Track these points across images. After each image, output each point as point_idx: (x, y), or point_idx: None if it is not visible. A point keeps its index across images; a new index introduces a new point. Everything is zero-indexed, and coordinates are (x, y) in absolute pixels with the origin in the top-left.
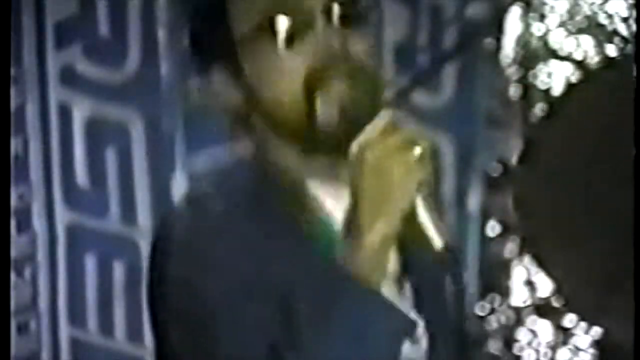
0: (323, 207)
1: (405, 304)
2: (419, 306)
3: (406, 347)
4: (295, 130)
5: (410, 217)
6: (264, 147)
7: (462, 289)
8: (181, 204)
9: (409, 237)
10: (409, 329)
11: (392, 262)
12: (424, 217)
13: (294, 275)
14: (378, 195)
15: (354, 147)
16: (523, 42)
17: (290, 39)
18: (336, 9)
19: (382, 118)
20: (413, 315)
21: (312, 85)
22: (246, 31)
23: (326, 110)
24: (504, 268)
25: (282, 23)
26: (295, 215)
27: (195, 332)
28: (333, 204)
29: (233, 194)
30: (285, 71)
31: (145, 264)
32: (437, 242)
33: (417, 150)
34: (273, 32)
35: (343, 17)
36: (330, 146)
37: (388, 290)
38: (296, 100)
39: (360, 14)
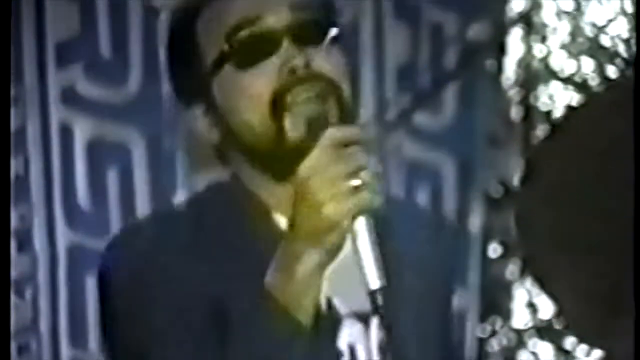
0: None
1: (367, 345)
2: (383, 346)
3: (356, 331)
4: (267, 154)
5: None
6: (236, 177)
7: (389, 337)
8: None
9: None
10: None
11: (358, 296)
12: (361, 254)
13: (236, 288)
14: (312, 226)
15: (300, 172)
16: (524, 63)
17: (254, 62)
18: (302, 28)
19: (328, 138)
20: (340, 351)
21: (279, 106)
22: (213, 60)
23: (295, 128)
24: (505, 290)
25: (244, 46)
26: (258, 244)
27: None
28: None
29: (201, 218)
30: (251, 94)
31: None
32: (372, 282)
33: (356, 182)
34: (237, 55)
35: (309, 36)
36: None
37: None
38: (264, 122)
39: (327, 31)
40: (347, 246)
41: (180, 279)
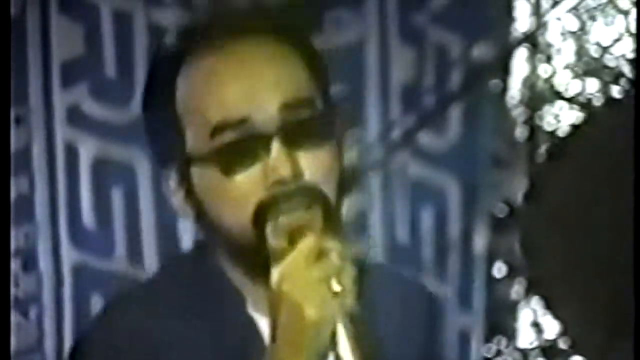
0: (258, 330)
1: None
2: None
3: None
4: (244, 254)
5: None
6: (215, 256)
7: None
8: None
9: None
10: None
11: None
12: (345, 355)
13: None
14: (293, 333)
15: (274, 275)
16: (529, 83)
17: (239, 167)
18: (294, 130)
19: (306, 244)
20: None
21: (262, 216)
22: (198, 150)
23: (276, 238)
24: (511, 310)
25: (231, 151)
26: (229, 333)
27: None
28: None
29: (164, 308)
30: (234, 199)
31: None
32: None
33: (337, 287)
34: (220, 159)
35: (300, 139)
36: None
37: None
38: (245, 227)
39: (322, 129)
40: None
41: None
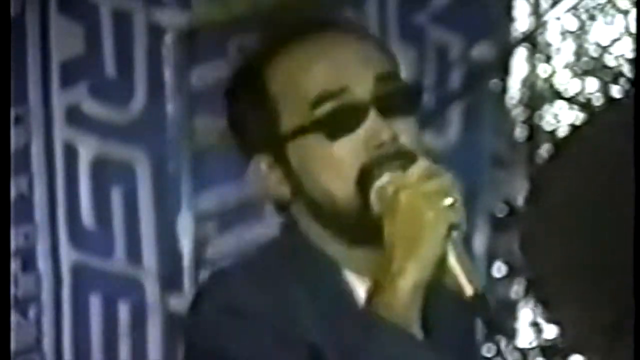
0: (356, 294)
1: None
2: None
3: None
4: (346, 222)
5: (441, 264)
6: (300, 232)
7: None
8: (208, 281)
9: (439, 283)
10: None
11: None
12: (455, 264)
13: (324, 327)
14: (410, 240)
15: (389, 189)
16: (529, 83)
17: (341, 133)
18: (387, 99)
19: (419, 165)
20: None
21: (366, 179)
22: (294, 126)
23: (380, 201)
24: (510, 309)
25: (331, 118)
26: (332, 301)
27: None
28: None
29: (267, 284)
30: (337, 165)
31: (151, 303)
32: (468, 289)
33: (449, 199)
34: (324, 127)
35: (395, 107)
36: (377, 238)
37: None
38: (349, 192)
39: (409, 101)
40: None
41: (274, 322)
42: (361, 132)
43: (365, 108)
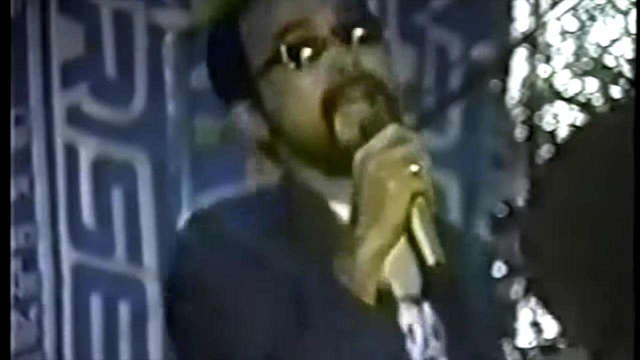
0: (341, 221)
1: (423, 326)
2: (437, 328)
3: (412, 314)
4: (317, 152)
5: (406, 231)
6: (289, 172)
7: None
8: (197, 229)
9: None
10: (401, 343)
11: (412, 281)
12: (419, 232)
13: (306, 271)
14: (373, 207)
15: (357, 156)
16: (529, 83)
17: (304, 63)
18: (348, 28)
19: (389, 131)
20: (403, 330)
21: (329, 106)
22: (261, 62)
23: (346, 129)
24: (510, 309)
25: (294, 48)
26: (319, 234)
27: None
28: None
29: (256, 218)
30: (301, 94)
31: (151, 303)
32: (430, 258)
33: (414, 167)
34: (286, 58)
35: (356, 36)
36: (350, 167)
37: (403, 308)
38: (315, 122)
39: (373, 31)
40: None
41: (256, 262)
42: (323, 60)
43: (327, 37)
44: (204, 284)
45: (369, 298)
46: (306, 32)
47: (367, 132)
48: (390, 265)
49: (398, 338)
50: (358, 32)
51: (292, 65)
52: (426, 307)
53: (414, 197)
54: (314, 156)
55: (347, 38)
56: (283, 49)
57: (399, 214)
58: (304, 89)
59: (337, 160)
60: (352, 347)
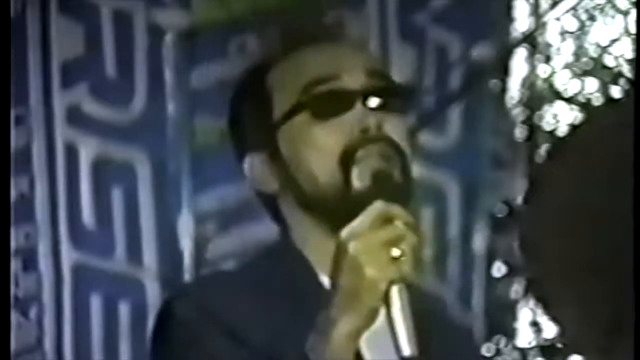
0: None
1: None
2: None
3: None
4: (327, 203)
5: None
6: (290, 228)
7: None
8: (196, 282)
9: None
10: None
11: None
12: (396, 321)
13: (287, 345)
14: (349, 291)
15: (342, 235)
16: (528, 83)
17: (328, 116)
18: (376, 92)
19: (375, 208)
20: None
21: (349, 157)
22: (286, 110)
23: (361, 180)
24: (510, 309)
25: (322, 99)
26: (306, 305)
27: None
28: None
29: (254, 279)
30: (321, 147)
31: (151, 303)
32: (405, 349)
33: (396, 252)
34: (311, 107)
35: (382, 102)
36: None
37: None
38: (331, 175)
39: (399, 100)
40: (381, 316)
41: (235, 336)
42: (347, 117)
43: (354, 96)
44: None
45: None
46: (335, 88)
47: (379, 185)
48: (365, 348)
49: None
50: (385, 98)
51: (315, 115)
52: None
53: (390, 284)
54: (321, 207)
55: (373, 101)
56: (308, 98)
57: (374, 301)
58: (324, 140)
59: (348, 213)
60: None
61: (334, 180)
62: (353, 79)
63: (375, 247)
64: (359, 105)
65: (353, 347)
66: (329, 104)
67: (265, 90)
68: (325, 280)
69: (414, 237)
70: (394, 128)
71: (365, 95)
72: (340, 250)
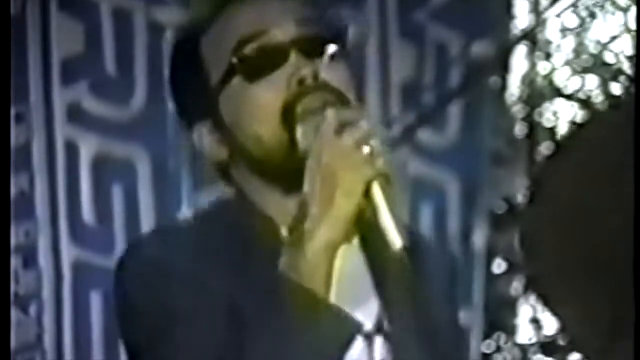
0: None
1: (369, 307)
2: (386, 309)
3: (358, 349)
4: (276, 165)
5: (370, 216)
6: (246, 192)
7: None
8: (150, 234)
9: (370, 237)
10: (354, 332)
11: (355, 264)
12: (382, 216)
13: (246, 288)
14: (325, 199)
15: (314, 147)
16: (528, 80)
17: (262, 74)
18: (309, 41)
19: (330, 114)
20: (358, 317)
21: (290, 116)
22: (221, 75)
23: (307, 139)
24: (510, 306)
25: (250, 59)
26: (265, 257)
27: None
28: None
29: (208, 232)
30: (260, 106)
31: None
32: (395, 242)
33: (367, 149)
34: (244, 68)
35: (316, 49)
36: None
37: (341, 293)
38: (275, 134)
39: (334, 44)
40: (353, 260)
41: (192, 282)
42: (282, 72)
43: (286, 49)
44: (140, 307)
45: (320, 289)
46: (265, 44)
47: None
48: (346, 294)
49: (351, 325)
50: (319, 45)
51: (249, 76)
52: (377, 342)
53: (369, 182)
54: (273, 170)
55: (307, 51)
56: (240, 59)
57: (351, 206)
58: (262, 100)
59: (297, 174)
60: (296, 344)
61: (279, 141)
62: (283, 31)
63: (346, 149)
64: (292, 58)
65: (331, 259)
66: (261, 61)
67: (199, 56)
68: (284, 232)
69: (380, 130)
70: (333, 74)
71: (297, 46)
72: (313, 163)
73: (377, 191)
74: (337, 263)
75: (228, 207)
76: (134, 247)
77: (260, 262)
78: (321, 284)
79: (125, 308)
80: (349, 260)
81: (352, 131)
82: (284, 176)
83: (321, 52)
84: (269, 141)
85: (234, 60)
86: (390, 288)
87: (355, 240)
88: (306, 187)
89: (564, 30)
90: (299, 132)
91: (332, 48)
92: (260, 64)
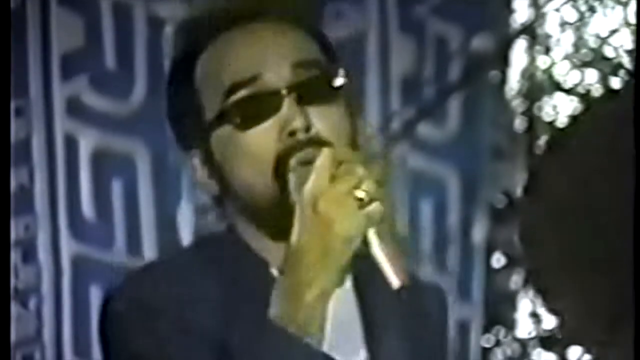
0: None
1: (354, 342)
2: (370, 343)
3: None
4: (266, 214)
5: (366, 255)
6: (237, 228)
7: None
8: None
9: (363, 279)
10: None
11: (348, 308)
12: (380, 257)
13: (235, 326)
14: (324, 245)
15: (307, 195)
16: (528, 74)
17: (254, 122)
18: (304, 86)
19: (323, 159)
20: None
21: (281, 169)
22: (212, 117)
23: (298, 190)
24: (509, 300)
25: (243, 106)
26: (255, 294)
27: None
28: None
29: (196, 267)
30: (252, 156)
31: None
32: (394, 281)
33: (361, 194)
34: (234, 116)
35: (310, 95)
36: None
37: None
38: (266, 183)
39: (328, 90)
40: (346, 304)
41: (181, 318)
42: (275, 120)
43: (279, 96)
44: (129, 350)
45: (314, 340)
46: (256, 91)
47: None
48: (330, 335)
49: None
50: (314, 91)
51: (240, 125)
52: (359, 320)
53: (366, 229)
54: (261, 216)
55: (301, 97)
56: (230, 107)
57: (348, 253)
58: (254, 149)
59: (286, 223)
60: None
61: (270, 192)
62: (276, 76)
63: (342, 197)
64: (285, 106)
65: (326, 306)
66: (253, 109)
67: (193, 85)
68: (274, 271)
69: (374, 171)
70: (325, 122)
71: (291, 92)
72: (307, 211)
73: (372, 237)
74: (330, 307)
75: (218, 243)
76: (121, 287)
77: (250, 300)
78: (316, 332)
79: (112, 350)
80: (342, 304)
81: (346, 175)
82: (274, 223)
83: (316, 98)
84: (259, 189)
85: (227, 106)
86: (380, 336)
87: (348, 283)
88: (297, 235)
89: (564, 25)
90: (291, 182)
91: (326, 92)
92: (252, 111)
